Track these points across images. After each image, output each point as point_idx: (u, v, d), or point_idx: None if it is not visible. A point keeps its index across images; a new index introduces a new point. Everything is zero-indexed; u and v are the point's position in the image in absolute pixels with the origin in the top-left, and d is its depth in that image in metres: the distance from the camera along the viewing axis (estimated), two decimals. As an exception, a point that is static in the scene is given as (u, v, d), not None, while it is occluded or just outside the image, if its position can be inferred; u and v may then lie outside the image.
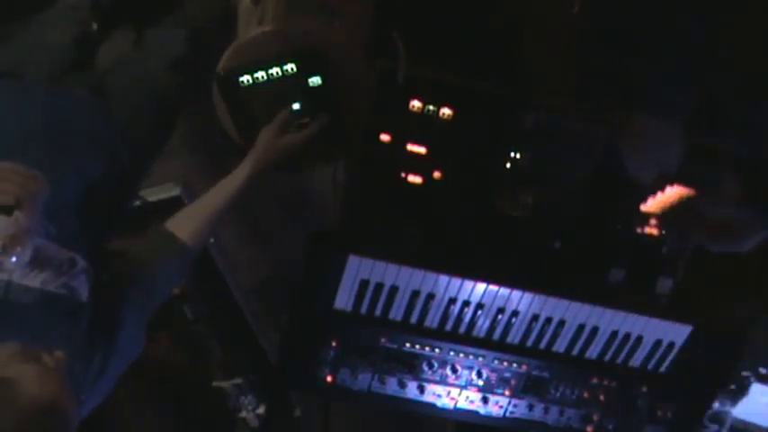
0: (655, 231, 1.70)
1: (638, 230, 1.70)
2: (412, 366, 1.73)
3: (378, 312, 1.67)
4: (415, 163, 1.60)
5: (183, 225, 1.47)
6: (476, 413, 1.79)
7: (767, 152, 1.58)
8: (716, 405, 1.97)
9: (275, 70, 1.67)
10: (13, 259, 1.11)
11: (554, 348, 1.75)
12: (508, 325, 1.70)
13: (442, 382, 1.75)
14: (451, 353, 1.72)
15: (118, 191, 1.56)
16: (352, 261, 1.60)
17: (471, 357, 1.73)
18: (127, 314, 1.33)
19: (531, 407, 1.80)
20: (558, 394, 1.80)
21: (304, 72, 1.68)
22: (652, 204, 1.66)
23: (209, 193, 1.53)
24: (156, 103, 1.68)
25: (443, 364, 1.73)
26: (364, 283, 1.63)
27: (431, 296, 1.65)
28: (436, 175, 1.61)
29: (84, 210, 1.38)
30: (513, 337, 1.73)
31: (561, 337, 1.73)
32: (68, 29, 1.70)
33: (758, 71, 1.59)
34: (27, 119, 1.44)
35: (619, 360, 1.78)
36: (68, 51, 1.66)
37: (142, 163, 1.65)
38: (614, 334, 1.74)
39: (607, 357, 1.78)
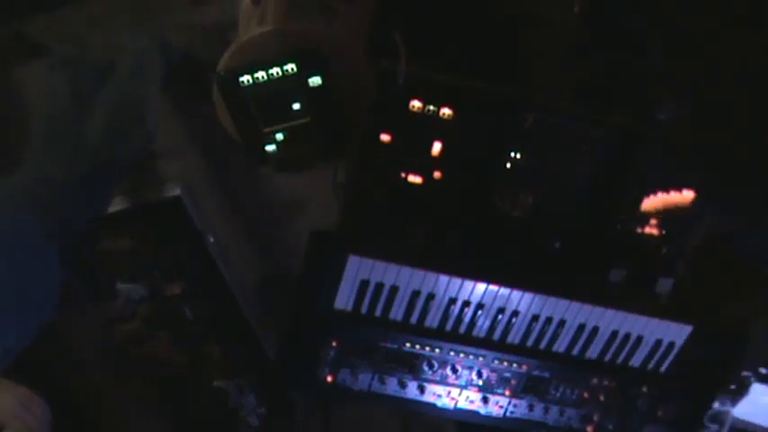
0: (655, 231, 1.70)
1: (638, 230, 1.70)
2: (412, 366, 1.73)
3: (378, 312, 1.67)
4: (415, 163, 1.60)
5: None
6: (476, 413, 1.79)
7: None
8: (716, 405, 1.97)
9: (275, 70, 1.67)
10: None
11: (554, 348, 1.75)
12: (508, 325, 1.70)
13: (443, 382, 1.75)
14: (451, 353, 1.72)
15: None
16: (352, 261, 1.61)
17: (471, 357, 1.73)
18: None
19: (531, 407, 1.80)
20: (558, 394, 1.80)
21: (304, 72, 1.68)
22: (651, 203, 1.67)
23: None
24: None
25: (443, 364, 1.73)
26: (364, 283, 1.63)
27: (431, 296, 1.66)
28: (436, 175, 1.61)
29: None
30: (513, 337, 1.73)
31: (561, 337, 1.73)
32: None
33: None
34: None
35: (619, 360, 1.78)
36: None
37: None
38: (614, 334, 1.75)
39: (607, 357, 1.78)
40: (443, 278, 1.64)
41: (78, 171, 1.46)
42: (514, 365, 1.76)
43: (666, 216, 1.69)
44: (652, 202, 1.68)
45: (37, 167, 1.46)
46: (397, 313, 1.67)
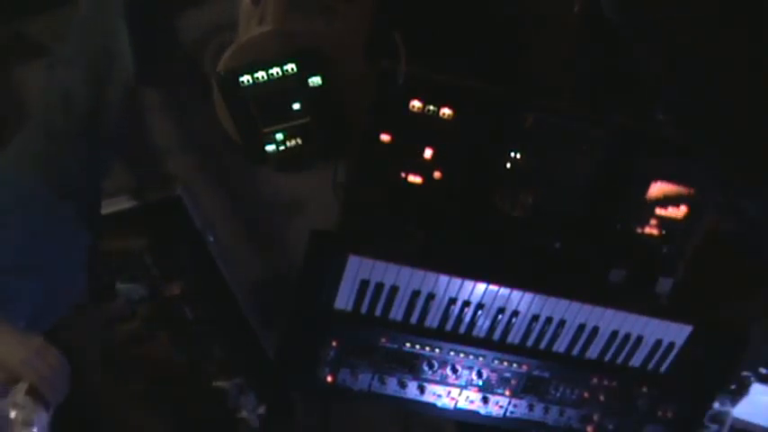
0: (655, 231, 1.70)
1: (638, 230, 1.70)
2: (412, 366, 1.73)
3: (378, 312, 1.67)
4: (415, 163, 1.60)
5: None
6: (476, 413, 1.79)
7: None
8: (716, 405, 1.97)
9: (275, 70, 1.67)
10: None
11: (554, 348, 1.75)
12: (508, 325, 1.70)
13: (443, 382, 1.75)
14: (452, 353, 1.72)
15: None
16: (352, 261, 1.60)
17: (471, 357, 1.73)
18: None
19: (531, 407, 1.80)
20: (558, 394, 1.80)
21: (304, 72, 1.68)
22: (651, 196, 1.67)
23: None
24: None
25: (443, 364, 1.73)
26: (364, 283, 1.63)
27: (431, 296, 1.66)
28: (436, 175, 1.61)
29: None
30: (513, 337, 1.73)
31: (561, 337, 1.73)
32: None
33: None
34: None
35: (619, 360, 1.78)
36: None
37: None
38: (614, 334, 1.74)
39: (607, 357, 1.78)
40: (443, 278, 1.64)
41: (73, 121, 1.50)
42: (514, 365, 1.76)
43: (666, 216, 1.69)
44: (653, 201, 1.68)
45: (36, 125, 1.50)
46: (397, 313, 1.67)
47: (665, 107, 1.65)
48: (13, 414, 1.11)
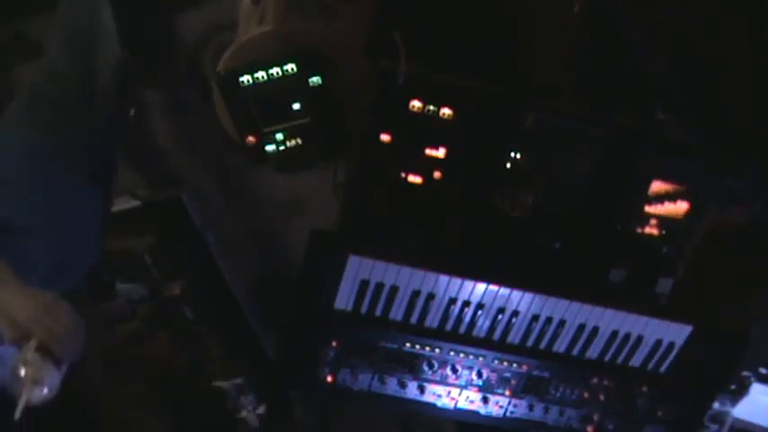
0: (655, 231, 1.70)
1: (638, 230, 1.70)
2: (412, 366, 1.73)
3: (378, 312, 1.67)
4: (415, 163, 1.60)
5: None
6: (476, 413, 1.79)
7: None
8: (716, 405, 1.97)
9: (275, 70, 1.67)
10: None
11: (554, 348, 1.75)
12: (508, 325, 1.70)
13: (443, 382, 1.75)
14: (452, 353, 1.72)
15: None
16: (352, 261, 1.60)
17: (471, 357, 1.73)
18: None
19: (531, 407, 1.80)
20: (558, 394, 1.80)
21: (304, 72, 1.69)
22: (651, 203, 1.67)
23: None
24: None
25: (443, 364, 1.73)
26: (364, 283, 1.63)
27: (431, 296, 1.66)
28: (436, 175, 1.61)
29: None
30: (513, 337, 1.73)
31: (561, 337, 1.73)
32: None
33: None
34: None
35: (619, 360, 1.78)
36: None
37: None
38: (614, 334, 1.75)
39: (607, 357, 1.78)
40: (443, 278, 1.64)
41: (66, 92, 1.52)
42: (514, 365, 1.76)
43: (666, 216, 1.69)
44: (653, 201, 1.68)
45: (32, 94, 1.53)
46: (397, 313, 1.67)
47: (666, 107, 1.65)
48: (22, 372, 1.10)
